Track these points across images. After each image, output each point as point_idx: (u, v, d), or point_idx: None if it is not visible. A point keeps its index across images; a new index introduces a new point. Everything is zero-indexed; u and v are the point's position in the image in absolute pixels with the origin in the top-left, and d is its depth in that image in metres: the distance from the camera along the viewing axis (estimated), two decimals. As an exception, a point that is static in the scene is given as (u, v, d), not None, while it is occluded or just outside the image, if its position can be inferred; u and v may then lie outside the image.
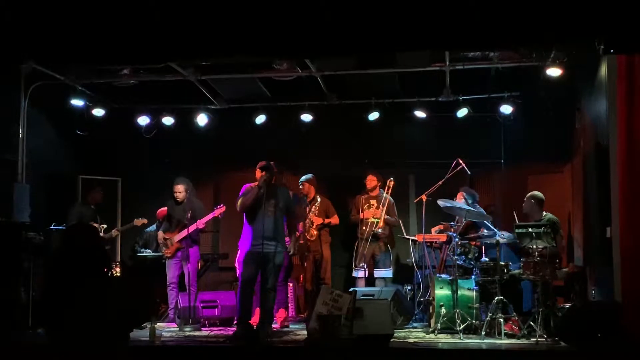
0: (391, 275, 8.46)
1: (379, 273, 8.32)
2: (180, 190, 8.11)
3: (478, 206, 8.00)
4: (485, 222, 7.71)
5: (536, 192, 7.69)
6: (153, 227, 9.10)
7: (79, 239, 3.89)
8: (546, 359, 6.07)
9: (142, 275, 8.79)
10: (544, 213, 7.57)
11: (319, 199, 8.55)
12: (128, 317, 3.80)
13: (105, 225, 8.71)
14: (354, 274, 8.38)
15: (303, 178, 8.56)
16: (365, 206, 8.39)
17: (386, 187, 8.33)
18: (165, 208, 8.49)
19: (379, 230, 8.17)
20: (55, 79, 8.28)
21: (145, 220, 8.87)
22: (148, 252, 9.02)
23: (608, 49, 5.70)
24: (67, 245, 3.91)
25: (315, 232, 8.43)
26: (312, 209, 8.48)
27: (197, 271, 8.25)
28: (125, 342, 3.87)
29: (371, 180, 8.46)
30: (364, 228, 8.30)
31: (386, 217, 8.25)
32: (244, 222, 7.30)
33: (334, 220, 8.57)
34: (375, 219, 8.22)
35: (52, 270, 4.01)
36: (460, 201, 7.97)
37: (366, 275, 8.24)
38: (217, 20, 5.85)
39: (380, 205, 8.27)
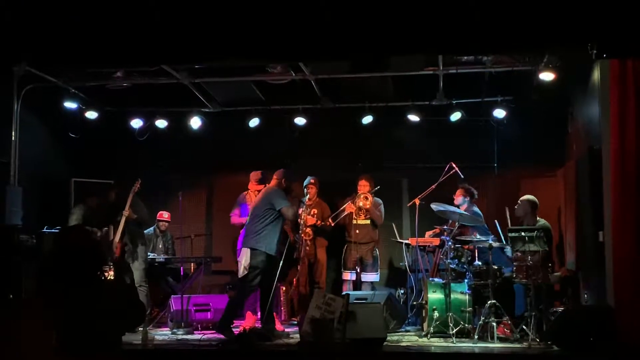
0: (378, 280, 8.46)
1: (366, 277, 8.33)
2: None
3: (475, 206, 8.01)
4: (478, 225, 7.72)
5: (531, 197, 7.67)
6: (152, 230, 9.05)
7: (72, 241, 3.86)
8: (538, 363, 6.08)
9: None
10: (538, 219, 7.58)
11: (320, 203, 8.55)
12: (121, 321, 3.79)
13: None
14: (343, 276, 8.39)
15: (311, 179, 8.56)
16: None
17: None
18: (163, 212, 8.52)
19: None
20: (48, 81, 8.25)
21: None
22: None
23: (601, 54, 5.73)
24: (60, 247, 3.89)
25: (310, 231, 8.42)
26: (311, 212, 8.45)
27: (145, 272, 7.86)
28: (118, 346, 3.85)
29: (363, 186, 8.43)
30: (357, 231, 8.31)
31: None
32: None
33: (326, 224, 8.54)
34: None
35: (44, 273, 3.99)
36: (458, 198, 8.00)
37: (354, 278, 8.28)
38: (211, 24, 5.85)
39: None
